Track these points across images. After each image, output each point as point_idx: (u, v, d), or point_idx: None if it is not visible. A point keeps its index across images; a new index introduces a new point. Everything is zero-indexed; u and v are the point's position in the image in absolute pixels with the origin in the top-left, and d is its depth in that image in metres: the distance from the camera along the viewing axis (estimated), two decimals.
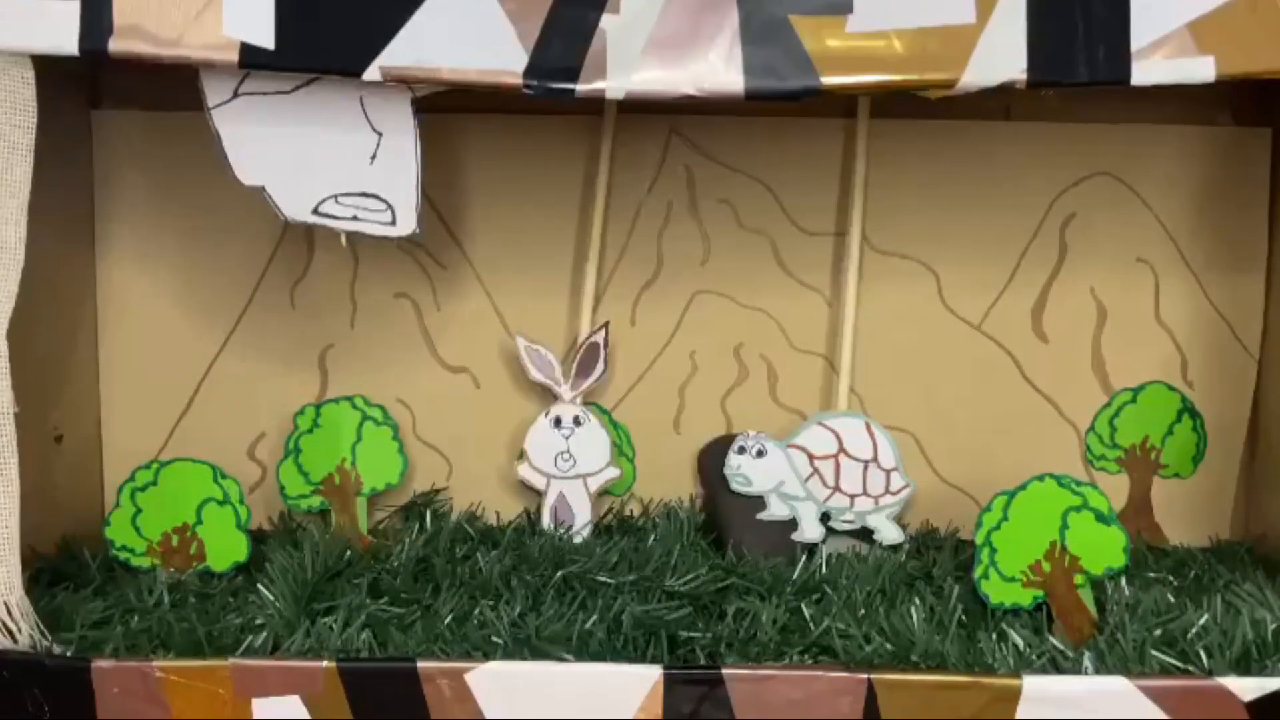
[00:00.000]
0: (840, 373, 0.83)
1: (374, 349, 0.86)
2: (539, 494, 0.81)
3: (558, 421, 0.80)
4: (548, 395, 0.82)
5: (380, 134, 0.67)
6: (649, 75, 0.60)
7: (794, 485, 0.78)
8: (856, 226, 0.82)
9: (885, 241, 0.85)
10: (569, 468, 0.80)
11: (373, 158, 0.67)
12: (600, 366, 0.80)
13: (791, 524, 0.79)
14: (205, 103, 0.66)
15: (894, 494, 0.79)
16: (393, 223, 0.68)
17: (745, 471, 0.78)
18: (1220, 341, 0.85)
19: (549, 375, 0.81)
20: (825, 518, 0.79)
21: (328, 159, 0.67)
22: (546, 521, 0.81)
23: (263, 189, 0.67)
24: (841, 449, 0.79)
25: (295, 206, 0.67)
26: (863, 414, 0.81)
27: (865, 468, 0.79)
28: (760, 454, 0.78)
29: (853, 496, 0.79)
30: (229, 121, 0.66)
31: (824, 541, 0.79)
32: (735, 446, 0.79)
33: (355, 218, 0.68)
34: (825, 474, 0.79)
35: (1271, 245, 0.84)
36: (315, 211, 0.67)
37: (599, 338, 0.80)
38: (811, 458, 0.79)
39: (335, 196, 0.67)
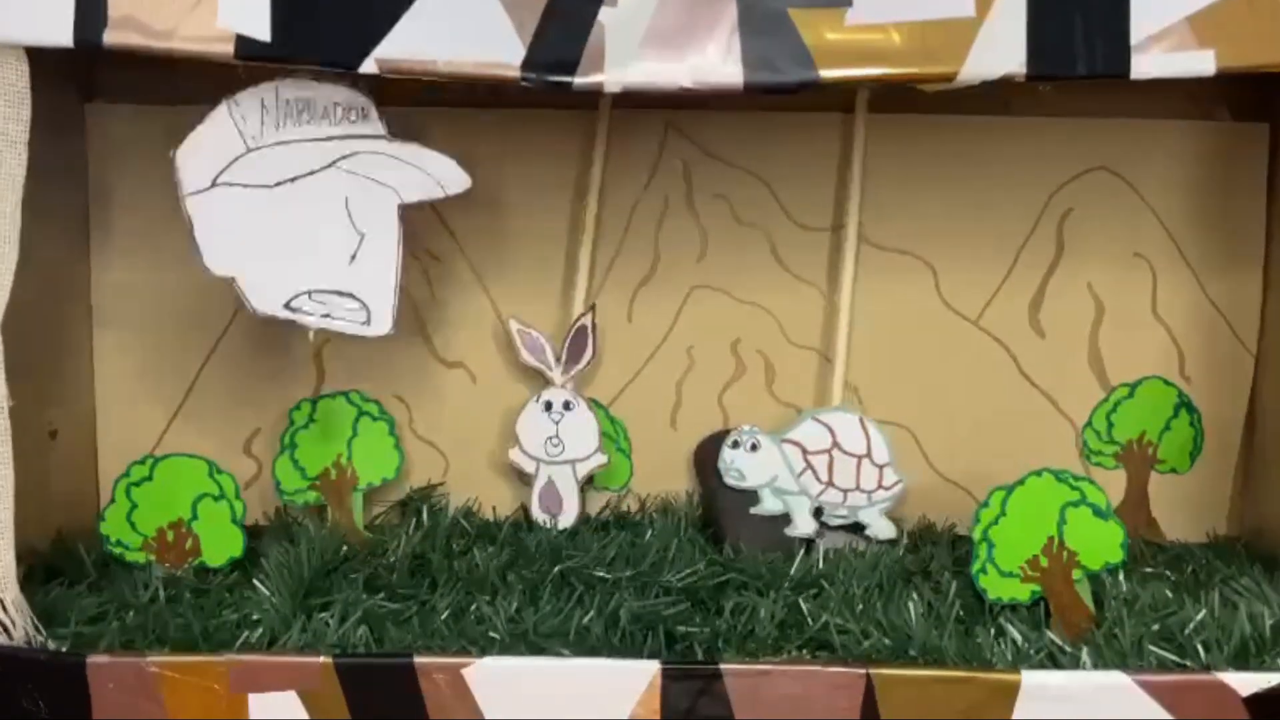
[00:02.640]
0: (835, 367, 0.82)
1: (370, 344, 0.85)
2: (530, 478, 0.81)
3: (548, 406, 0.80)
4: (542, 384, 0.82)
5: (363, 234, 0.67)
6: (647, 68, 0.60)
7: (787, 480, 0.78)
8: (853, 221, 0.82)
9: (883, 237, 0.85)
10: (558, 453, 0.80)
11: (353, 257, 0.67)
12: (590, 351, 0.80)
13: (785, 519, 0.79)
14: (180, 189, 0.66)
15: (886, 489, 0.79)
16: (367, 323, 0.69)
17: (739, 466, 0.78)
18: (1217, 337, 0.85)
19: (540, 358, 0.81)
20: (818, 513, 0.79)
21: (305, 255, 0.67)
22: (535, 508, 0.81)
23: (232, 280, 0.67)
24: (835, 444, 0.79)
25: (265, 301, 0.68)
26: (856, 409, 0.81)
27: (858, 463, 0.79)
28: (754, 448, 0.78)
29: (845, 491, 0.79)
30: (203, 209, 0.66)
31: (821, 537, 0.79)
32: (729, 441, 0.79)
33: (328, 315, 0.68)
34: (818, 469, 0.79)
35: (1269, 241, 0.84)
36: (286, 306, 0.68)
37: (586, 321, 0.80)
38: (805, 452, 0.79)
39: (309, 293, 0.68)
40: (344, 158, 0.65)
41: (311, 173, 0.66)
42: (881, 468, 0.79)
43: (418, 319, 0.86)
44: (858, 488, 0.78)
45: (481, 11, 0.60)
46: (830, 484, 0.78)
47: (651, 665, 0.60)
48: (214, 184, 0.66)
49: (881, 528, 0.79)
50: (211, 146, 0.66)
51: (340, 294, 0.67)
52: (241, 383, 0.85)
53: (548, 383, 0.81)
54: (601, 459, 0.81)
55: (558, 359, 0.81)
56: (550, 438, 0.80)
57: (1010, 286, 0.85)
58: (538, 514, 0.81)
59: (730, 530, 0.79)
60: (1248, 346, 0.85)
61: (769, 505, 0.79)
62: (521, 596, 0.69)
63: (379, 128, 0.67)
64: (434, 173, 0.67)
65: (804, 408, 0.85)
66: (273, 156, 0.66)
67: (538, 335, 0.81)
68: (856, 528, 0.79)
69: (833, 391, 0.82)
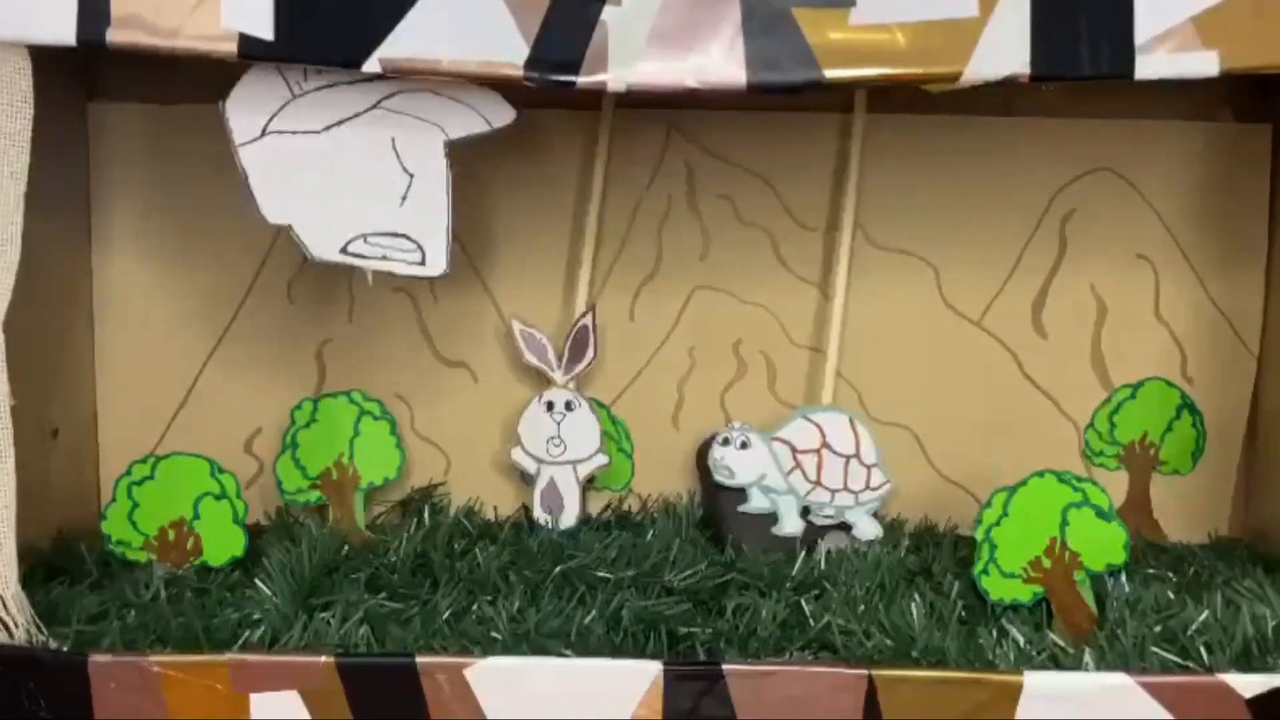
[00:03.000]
0: (828, 365, 0.82)
1: (372, 343, 0.86)
2: (531, 479, 0.81)
3: (550, 406, 0.80)
4: (544, 383, 0.82)
5: (411, 175, 0.67)
6: (650, 67, 0.60)
7: (776, 478, 0.78)
8: (848, 220, 0.82)
9: (885, 237, 0.85)
10: (560, 453, 0.80)
11: (403, 198, 0.67)
12: (591, 351, 0.80)
13: (774, 517, 0.79)
14: (232, 140, 0.66)
15: (874, 490, 0.79)
16: (422, 262, 0.68)
17: (729, 463, 0.78)
18: (1220, 338, 0.85)
19: (542, 359, 0.81)
20: (805, 512, 0.79)
21: (357, 199, 0.67)
22: (536, 508, 0.81)
23: (289, 228, 0.67)
24: (824, 443, 0.79)
25: (323, 246, 0.68)
26: (846, 409, 0.81)
27: (847, 463, 0.78)
28: (744, 446, 0.78)
29: (833, 491, 0.78)
30: (257, 159, 0.66)
31: (824, 537, 0.79)
32: (719, 438, 0.78)
33: (384, 257, 0.68)
34: (807, 468, 0.78)
35: (1271, 242, 0.84)
36: (343, 250, 0.68)
37: (587, 321, 0.80)
38: (794, 451, 0.79)
39: (364, 236, 0.68)
40: (387, 97, 0.65)
41: (357, 115, 0.66)
42: (869, 468, 0.79)
43: (419, 318, 0.86)
44: (845, 488, 0.78)
45: (484, 10, 0.60)
46: (818, 483, 0.78)
47: (654, 666, 0.60)
48: (264, 133, 0.66)
49: (867, 528, 0.79)
50: (258, 96, 0.66)
51: (395, 235, 0.67)
52: (243, 382, 0.85)
53: (549, 383, 0.81)
54: (603, 460, 0.81)
55: (560, 359, 0.81)
56: (552, 438, 0.80)
57: (1012, 287, 0.85)
58: (539, 514, 0.81)
59: (732, 531, 0.78)
60: (1250, 348, 0.85)
61: (757, 503, 0.78)
62: (523, 596, 0.69)
63: None
64: (477, 107, 0.67)
65: None
66: (318, 101, 0.66)
67: (540, 335, 0.81)
68: (843, 527, 0.79)
69: (824, 389, 0.82)
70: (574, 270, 0.84)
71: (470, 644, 0.64)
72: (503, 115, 0.67)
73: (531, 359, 0.81)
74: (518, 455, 0.81)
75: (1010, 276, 0.85)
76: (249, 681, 0.60)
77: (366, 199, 0.67)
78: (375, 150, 0.67)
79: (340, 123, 0.66)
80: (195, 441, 0.81)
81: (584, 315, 0.81)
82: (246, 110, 0.66)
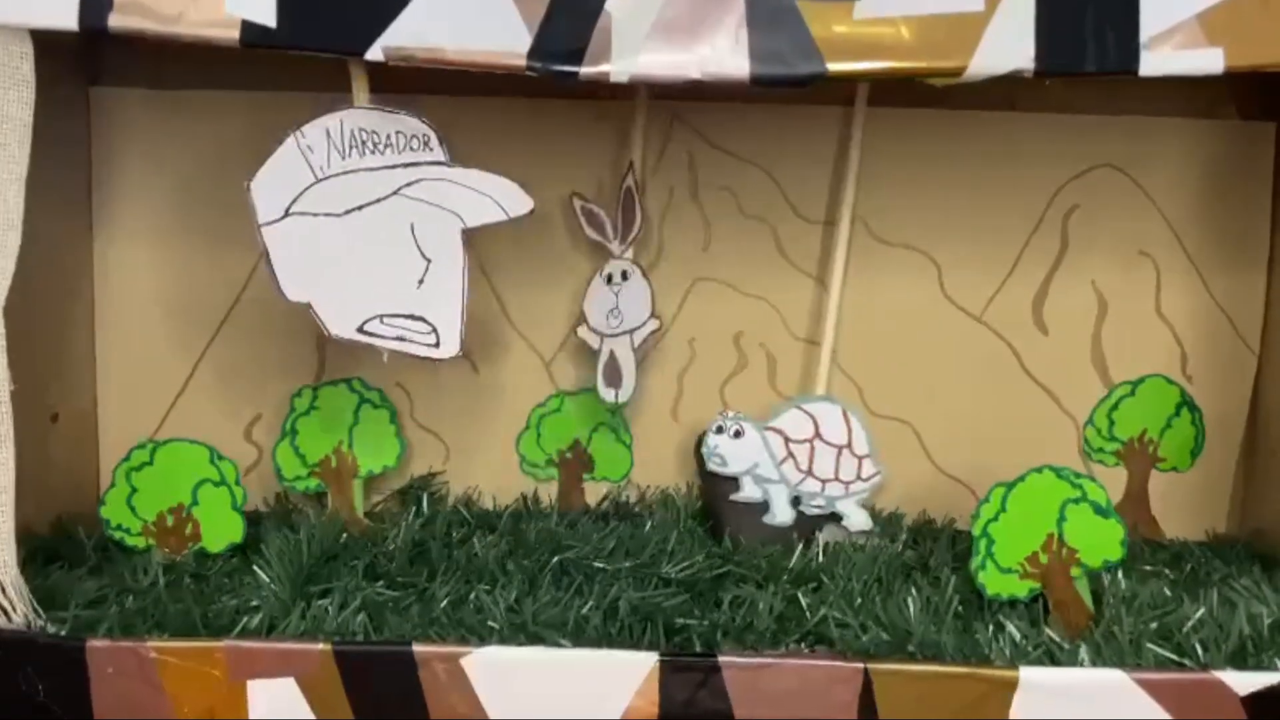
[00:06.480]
0: (821, 357, 0.82)
1: None
2: (594, 354, 0.82)
3: (610, 278, 0.81)
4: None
5: (429, 260, 0.68)
6: (654, 59, 0.60)
7: (768, 467, 0.78)
8: (847, 213, 0.82)
9: (886, 231, 0.85)
10: (618, 324, 0.81)
11: (420, 282, 0.69)
12: (639, 216, 0.80)
13: (766, 506, 0.79)
14: (255, 219, 0.67)
15: (865, 480, 0.79)
16: (436, 345, 0.70)
17: (722, 452, 0.78)
18: (1220, 336, 0.85)
19: (601, 233, 0.81)
20: (796, 501, 0.79)
21: (375, 281, 0.69)
22: (600, 384, 0.81)
23: (309, 306, 0.68)
24: (817, 434, 0.79)
25: (340, 325, 0.69)
26: (839, 400, 0.81)
27: (839, 453, 0.78)
28: (738, 435, 0.78)
29: (824, 481, 0.78)
30: (279, 239, 0.67)
31: (821, 530, 0.79)
32: (713, 426, 0.78)
33: (400, 338, 0.69)
34: (799, 458, 0.78)
35: (1274, 240, 0.84)
36: (360, 330, 0.69)
37: (630, 182, 0.80)
38: (787, 441, 0.79)
39: (381, 317, 0.69)
40: (408, 185, 0.67)
41: (378, 200, 0.68)
42: (861, 459, 0.79)
43: None
44: (836, 478, 0.78)
45: (488, 0, 0.60)
46: (810, 473, 0.78)
47: (650, 657, 0.60)
48: (287, 214, 0.67)
49: (857, 519, 0.79)
50: (282, 177, 0.67)
51: (411, 317, 0.68)
52: (243, 368, 0.85)
53: (609, 256, 0.81)
54: (654, 324, 0.81)
55: (615, 229, 0.81)
56: (611, 310, 0.81)
57: (1014, 282, 0.85)
58: (602, 390, 0.81)
59: (730, 523, 0.79)
60: (1250, 346, 0.85)
61: (749, 492, 0.78)
62: (520, 586, 0.69)
63: (441, 154, 0.68)
64: (496, 196, 0.68)
65: None
66: (340, 185, 0.67)
67: (599, 210, 0.81)
68: (834, 518, 0.79)
69: (819, 380, 0.82)
70: (576, 260, 0.84)
71: (467, 633, 0.64)
72: (520, 205, 0.69)
73: (592, 233, 0.81)
74: (584, 333, 0.81)
75: (1012, 272, 0.85)
76: (246, 668, 0.60)
77: (384, 281, 0.69)
78: (394, 235, 0.68)
79: (361, 207, 0.68)
80: (195, 428, 0.81)
81: (625, 175, 0.81)
82: (271, 191, 0.67)
